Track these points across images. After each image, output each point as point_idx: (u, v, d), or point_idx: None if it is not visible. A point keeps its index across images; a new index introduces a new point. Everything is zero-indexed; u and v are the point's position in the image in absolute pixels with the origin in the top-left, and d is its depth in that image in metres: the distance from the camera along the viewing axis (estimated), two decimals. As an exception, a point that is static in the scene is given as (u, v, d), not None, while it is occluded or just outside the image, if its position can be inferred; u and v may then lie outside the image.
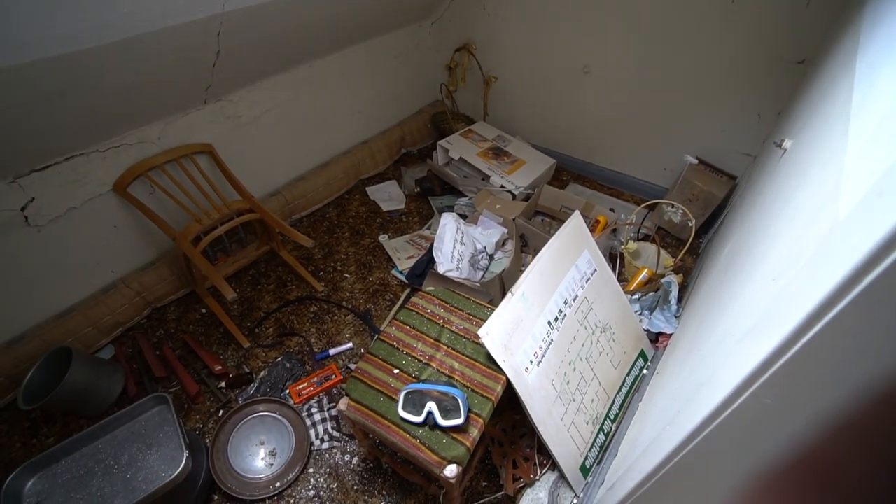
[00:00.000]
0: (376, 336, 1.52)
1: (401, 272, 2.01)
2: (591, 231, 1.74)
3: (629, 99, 2.19)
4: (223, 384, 1.64)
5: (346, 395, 1.14)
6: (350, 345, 1.76)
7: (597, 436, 1.43)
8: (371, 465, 1.44)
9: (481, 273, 1.86)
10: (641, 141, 2.29)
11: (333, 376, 1.63)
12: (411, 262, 2.00)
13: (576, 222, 1.49)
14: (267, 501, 1.37)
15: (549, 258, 1.38)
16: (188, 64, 1.57)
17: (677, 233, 2.16)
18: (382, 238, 2.21)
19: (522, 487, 1.37)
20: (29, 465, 1.15)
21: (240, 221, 1.74)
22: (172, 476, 1.13)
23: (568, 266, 1.44)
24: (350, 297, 1.96)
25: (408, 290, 1.96)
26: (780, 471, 0.49)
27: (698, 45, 1.90)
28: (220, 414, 1.57)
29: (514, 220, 1.96)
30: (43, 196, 1.55)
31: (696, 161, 2.09)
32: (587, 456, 1.40)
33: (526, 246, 2.02)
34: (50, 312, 1.71)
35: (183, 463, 1.14)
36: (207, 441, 1.47)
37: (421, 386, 1.07)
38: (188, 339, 1.79)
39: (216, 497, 1.38)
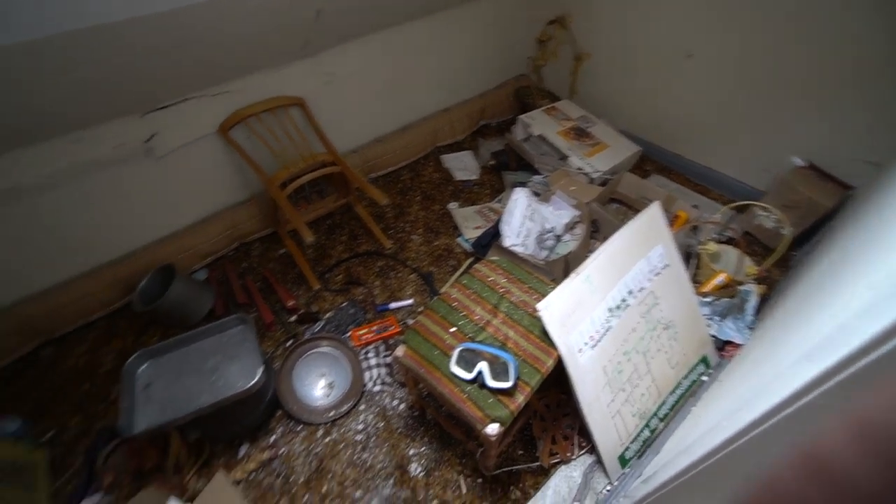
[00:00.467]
0: (437, 295, 1.59)
1: (466, 240, 2.06)
2: (670, 225, 1.66)
3: (734, 90, 2.01)
4: (294, 318, 1.81)
5: (404, 343, 1.22)
6: (410, 301, 1.85)
7: (641, 430, 1.41)
8: (416, 413, 1.54)
9: (546, 252, 1.85)
10: (740, 137, 2.11)
11: (392, 328, 1.73)
12: (478, 233, 2.03)
13: (653, 213, 1.44)
14: (321, 427, 1.52)
15: (620, 245, 1.35)
16: (291, 21, 1.67)
17: (767, 240, 2.00)
18: (452, 206, 2.26)
19: (557, 463, 1.41)
20: (143, 353, 1.38)
21: (323, 173, 1.86)
22: (247, 386, 1.29)
23: (638, 256, 1.41)
24: (415, 258, 2.05)
25: (471, 259, 2.01)
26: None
27: (827, 33, 1.69)
28: (288, 343, 1.74)
29: (587, 203, 1.92)
30: (164, 131, 1.75)
31: (804, 164, 1.89)
32: (628, 448, 1.39)
33: (596, 232, 1.97)
34: (159, 234, 1.95)
35: (257, 377, 1.29)
36: (276, 365, 1.64)
37: (475, 346, 1.12)
38: (267, 273, 1.98)
39: (278, 414, 1.56)
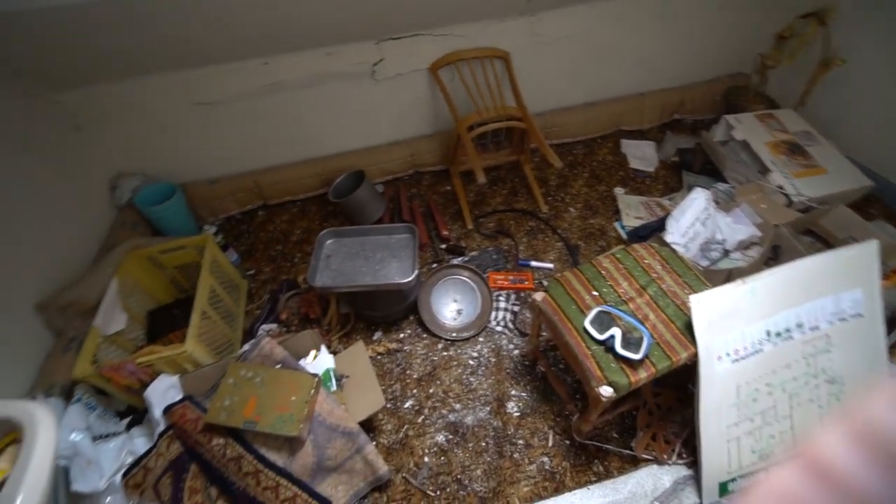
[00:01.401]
0: (585, 262, 1.62)
1: (623, 227, 2.02)
2: (883, 277, 1.41)
3: None
4: (444, 246, 2.02)
5: (546, 291, 1.31)
6: (551, 266, 1.92)
7: (756, 472, 1.31)
8: (527, 362, 1.64)
9: (707, 262, 1.73)
10: None
11: (526, 282, 1.84)
12: (637, 223, 1.98)
13: (867, 251, 1.25)
14: (442, 341, 1.73)
15: (806, 271, 1.22)
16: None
17: None
18: (618, 191, 2.21)
19: (649, 460, 1.39)
20: (332, 230, 1.73)
21: (509, 125, 1.97)
22: (402, 282, 1.52)
23: (826, 291, 1.25)
24: (567, 228, 2.09)
25: (622, 246, 1.97)
26: None
27: None
28: (433, 265, 1.97)
29: (776, 226, 1.72)
30: (389, 59, 2.03)
31: None
32: (735, 480, 1.31)
33: (774, 259, 1.76)
34: (358, 144, 2.31)
35: (411, 277, 1.52)
36: (421, 279, 1.88)
37: (615, 310, 1.15)
38: (431, 203, 2.22)
39: (412, 318, 1.80)
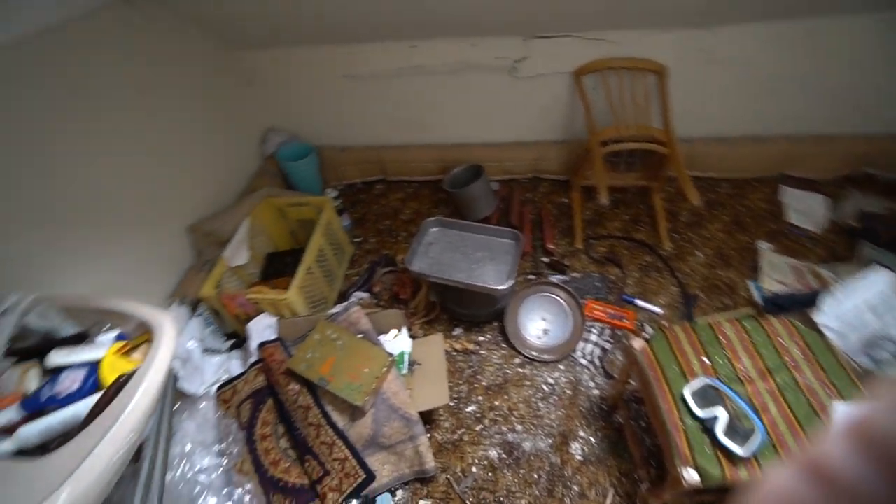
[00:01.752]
0: (691, 321, 1.43)
1: (759, 289, 1.73)
2: None
3: None
4: (547, 260, 1.93)
5: (647, 341, 1.17)
6: (659, 310, 1.72)
7: None
8: (605, 407, 1.50)
9: (870, 363, 1.40)
10: None
11: (626, 320, 1.67)
12: (779, 289, 1.68)
13: None
14: (520, 357, 1.66)
15: None
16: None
17: None
18: (764, 245, 1.89)
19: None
20: (439, 219, 1.75)
21: (649, 148, 1.79)
22: (494, 287, 1.49)
23: None
24: (688, 274, 1.85)
25: (753, 313, 1.69)
26: None
27: None
28: (530, 276, 1.89)
29: (983, 340, 1.32)
30: (533, 57, 1.96)
31: None
32: None
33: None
34: (483, 138, 2.29)
35: (506, 285, 1.47)
36: (515, 288, 1.82)
37: (727, 389, 0.99)
38: (544, 212, 2.13)
39: (495, 324, 1.76)
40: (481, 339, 1.74)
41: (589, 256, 1.95)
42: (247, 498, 1.26)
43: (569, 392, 1.56)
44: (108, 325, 1.02)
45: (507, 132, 2.27)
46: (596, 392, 1.55)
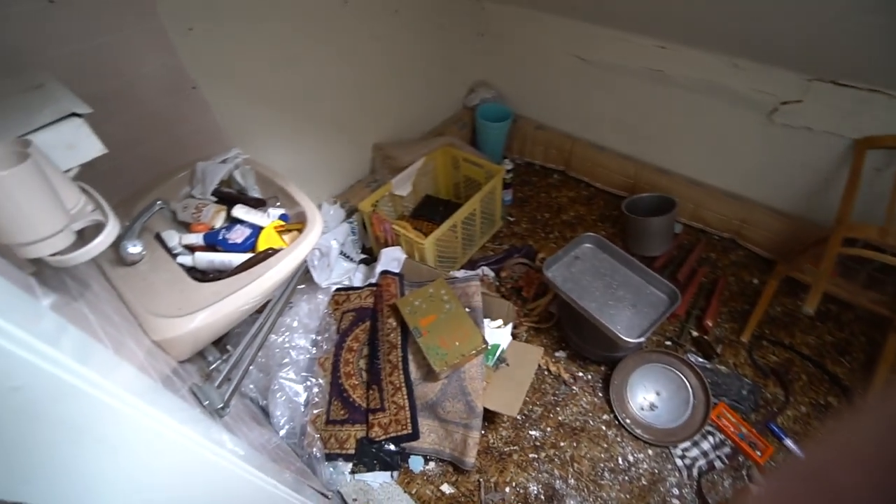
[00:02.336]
0: None
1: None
2: None
3: None
4: (695, 334, 1.64)
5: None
6: (810, 464, 1.35)
7: None
8: (679, 525, 1.27)
9: None
10: None
11: (759, 452, 1.35)
12: None
13: None
14: (610, 414, 1.48)
15: None
16: None
17: None
18: None
19: None
20: (598, 238, 1.61)
21: (913, 273, 1.33)
22: (621, 336, 1.32)
23: None
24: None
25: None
26: None
27: None
28: (666, 342, 1.64)
29: None
30: (808, 104, 1.56)
31: None
32: None
33: None
34: (691, 174, 1.96)
35: (635, 340, 1.30)
36: (643, 346, 1.60)
37: None
38: (721, 282, 1.78)
39: (603, 368, 1.59)
40: (580, 374, 1.59)
41: (750, 357, 1.59)
42: (315, 389, 1.41)
43: (644, 482, 1.35)
44: (279, 202, 1.19)
45: (723, 176, 1.91)
46: (676, 502, 1.31)
